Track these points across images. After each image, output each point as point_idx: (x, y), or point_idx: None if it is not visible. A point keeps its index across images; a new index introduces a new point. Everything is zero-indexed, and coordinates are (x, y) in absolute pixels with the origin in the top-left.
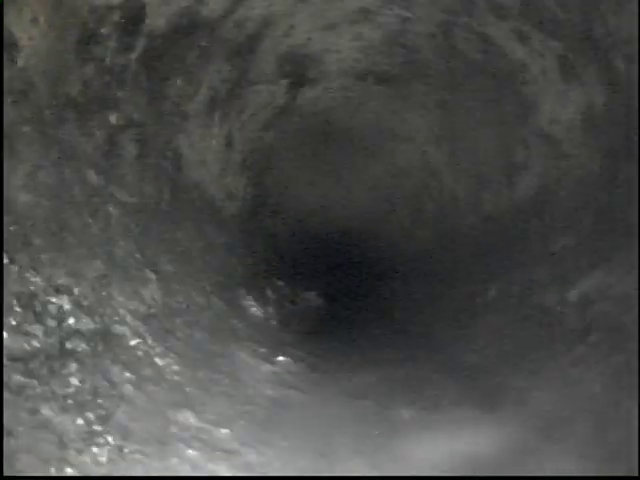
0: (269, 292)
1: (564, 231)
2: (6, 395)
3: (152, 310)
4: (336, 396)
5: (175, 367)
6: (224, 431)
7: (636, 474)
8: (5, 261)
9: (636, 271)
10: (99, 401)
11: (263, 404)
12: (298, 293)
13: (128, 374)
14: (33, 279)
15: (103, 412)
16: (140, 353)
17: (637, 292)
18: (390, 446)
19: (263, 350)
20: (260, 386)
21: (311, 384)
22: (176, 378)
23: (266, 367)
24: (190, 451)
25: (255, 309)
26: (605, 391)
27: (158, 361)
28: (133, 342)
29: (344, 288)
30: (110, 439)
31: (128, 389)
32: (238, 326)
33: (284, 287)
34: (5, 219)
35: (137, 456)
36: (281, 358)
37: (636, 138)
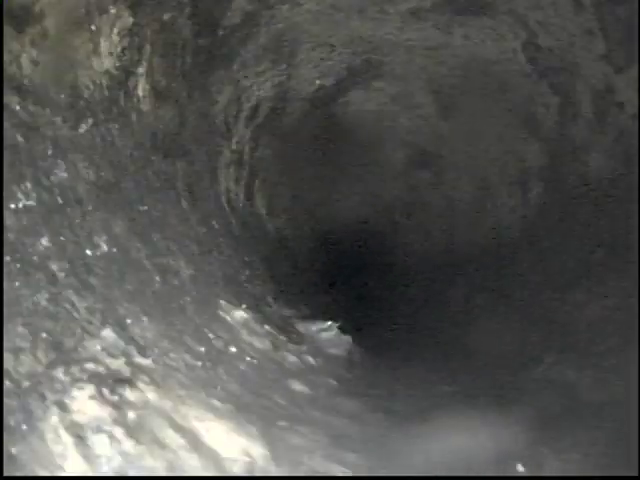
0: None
1: (570, 238)
2: None
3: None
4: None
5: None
6: None
7: (636, 474)
8: None
9: (636, 276)
10: None
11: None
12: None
13: None
14: None
15: None
16: None
17: (637, 295)
18: (390, 444)
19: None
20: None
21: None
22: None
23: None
24: None
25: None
26: (605, 391)
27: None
28: None
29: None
30: None
31: None
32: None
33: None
34: None
35: None
36: None
37: None
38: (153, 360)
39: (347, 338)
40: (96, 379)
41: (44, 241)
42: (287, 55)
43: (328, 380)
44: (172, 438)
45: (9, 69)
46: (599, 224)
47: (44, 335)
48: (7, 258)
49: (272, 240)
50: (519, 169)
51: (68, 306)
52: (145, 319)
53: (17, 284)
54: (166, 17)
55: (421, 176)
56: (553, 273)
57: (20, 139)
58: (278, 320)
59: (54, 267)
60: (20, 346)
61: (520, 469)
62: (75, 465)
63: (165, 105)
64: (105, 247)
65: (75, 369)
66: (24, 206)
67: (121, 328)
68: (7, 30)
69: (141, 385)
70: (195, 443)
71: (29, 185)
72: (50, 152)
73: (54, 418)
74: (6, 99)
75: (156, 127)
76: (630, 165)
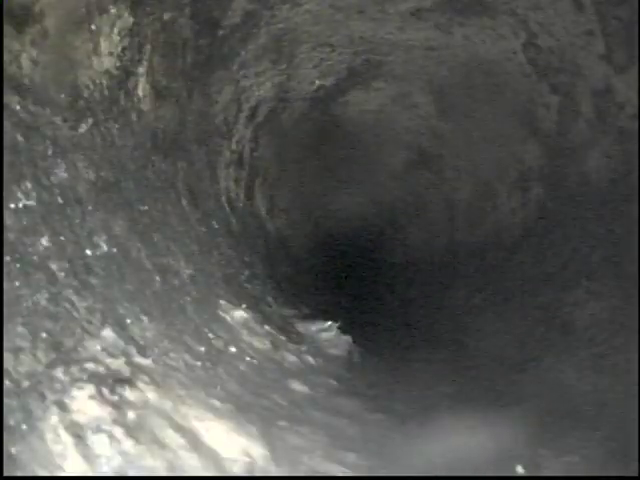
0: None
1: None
2: None
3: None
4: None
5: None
6: None
7: (636, 474)
8: None
9: (636, 276)
10: None
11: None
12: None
13: None
14: None
15: None
16: None
17: (637, 292)
18: (390, 444)
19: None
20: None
21: None
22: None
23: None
24: None
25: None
26: (605, 390)
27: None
28: None
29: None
30: None
31: None
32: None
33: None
34: None
35: None
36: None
37: None
38: (153, 360)
39: (347, 338)
40: (96, 379)
41: (44, 241)
42: (287, 55)
43: (328, 380)
44: (172, 438)
45: (9, 69)
46: (599, 224)
47: (44, 335)
48: (7, 258)
49: (272, 240)
50: (519, 170)
51: (68, 306)
52: (145, 319)
53: (17, 284)
54: (166, 17)
55: (421, 176)
56: (553, 273)
57: (20, 139)
58: (278, 320)
59: (54, 267)
60: (20, 346)
61: (520, 470)
62: (75, 465)
63: (165, 105)
64: (105, 247)
65: (75, 369)
66: (24, 206)
67: (121, 328)
68: (7, 30)
69: (141, 385)
70: (195, 443)
71: (29, 185)
72: (50, 152)
73: (54, 418)
74: (6, 99)
75: (156, 127)
76: (630, 165)
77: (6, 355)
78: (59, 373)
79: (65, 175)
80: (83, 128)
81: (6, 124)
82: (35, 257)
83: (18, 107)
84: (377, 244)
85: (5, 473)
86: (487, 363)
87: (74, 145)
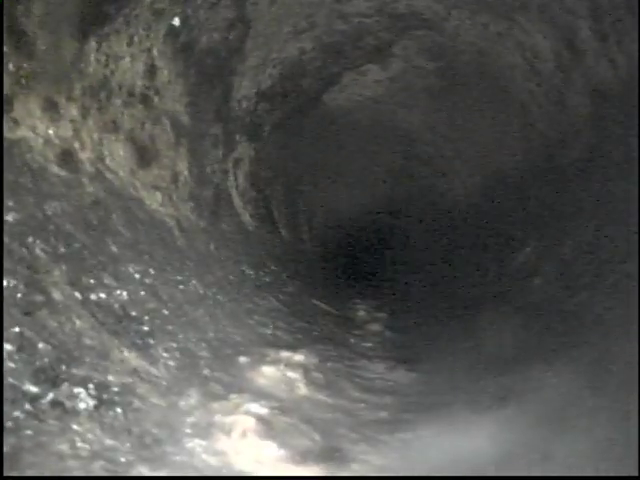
0: None
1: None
2: None
3: None
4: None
5: None
6: None
7: (636, 474)
8: None
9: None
10: None
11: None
12: None
13: None
14: None
15: None
16: None
17: (637, 294)
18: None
19: None
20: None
21: None
22: None
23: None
24: None
25: None
26: (605, 389)
27: None
28: None
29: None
30: None
31: None
32: None
33: None
34: None
35: None
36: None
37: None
38: None
39: None
40: None
41: None
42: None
43: None
44: None
45: None
46: None
47: None
48: None
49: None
50: (516, 164)
51: None
52: None
53: None
54: None
55: (419, 171)
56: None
57: None
58: None
59: None
60: None
61: None
62: None
63: None
64: None
65: None
66: None
67: None
68: None
69: None
70: None
71: None
72: None
73: None
74: None
75: None
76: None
77: None
78: None
79: None
80: None
81: None
82: None
83: None
84: (378, 240)
85: None
86: (488, 362)
87: None
